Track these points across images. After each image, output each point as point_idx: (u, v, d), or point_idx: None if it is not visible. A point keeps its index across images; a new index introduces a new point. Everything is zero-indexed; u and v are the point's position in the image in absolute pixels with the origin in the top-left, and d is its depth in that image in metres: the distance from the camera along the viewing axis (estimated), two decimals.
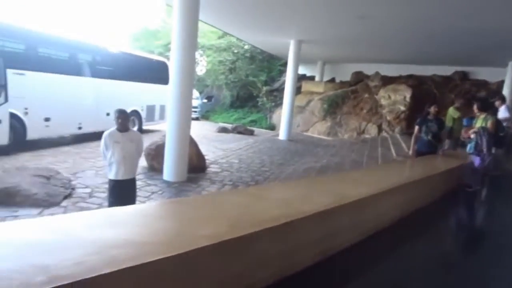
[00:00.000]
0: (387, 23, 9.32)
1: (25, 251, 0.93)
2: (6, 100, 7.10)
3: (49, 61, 8.67)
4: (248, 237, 1.25)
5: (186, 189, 6.67)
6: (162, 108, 13.46)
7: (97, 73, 9.90)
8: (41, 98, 8.02)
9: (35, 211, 4.75)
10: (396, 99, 15.60)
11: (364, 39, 11.96)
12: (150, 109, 12.72)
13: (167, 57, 16.44)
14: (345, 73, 19.73)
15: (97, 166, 7.48)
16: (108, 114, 10.54)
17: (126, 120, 4.10)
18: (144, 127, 12.66)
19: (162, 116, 13.53)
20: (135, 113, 11.88)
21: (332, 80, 20.59)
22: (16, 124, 7.47)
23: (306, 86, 19.49)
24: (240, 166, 9.11)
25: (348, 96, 17.46)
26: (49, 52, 8.77)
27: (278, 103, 19.91)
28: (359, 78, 18.77)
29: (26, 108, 7.66)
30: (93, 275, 0.80)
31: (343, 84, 19.09)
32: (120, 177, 4.04)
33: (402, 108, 15.29)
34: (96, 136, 10.33)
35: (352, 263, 2.12)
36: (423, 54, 13.67)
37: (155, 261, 0.91)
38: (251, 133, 16.41)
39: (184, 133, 7.16)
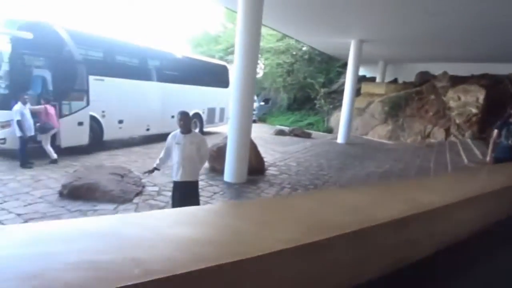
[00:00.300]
0: (460, 19, 8.64)
1: (120, 245, 1.00)
2: (87, 103, 7.86)
3: (124, 67, 9.42)
4: (323, 243, 1.23)
5: (246, 190, 6.77)
6: (222, 110, 13.89)
7: (164, 78, 10.52)
8: (116, 102, 8.75)
9: (111, 206, 5.18)
10: (466, 101, 14.39)
11: (433, 37, 11.22)
12: (211, 112, 13.18)
13: (227, 61, 16.96)
14: (409, 74, 18.69)
15: (164, 166, 7.93)
16: (173, 117, 11.11)
17: (187, 122, 4.16)
18: (205, 129, 13.15)
19: (221, 119, 13.95)
20: (197, 115, 12.39)
21: (395, 81, 19.59)
22: (95, 125, 8.22)
23: (366, 87, 18.79)
24: (298, 169, 9.04)
25: (412, 97, 16.47)
26: (124, 59, 9.53)
27: (336, 106, 19.45)
28: (425, 78, 17.63)
29: (103, 111, 8.41)
30: (185, 271, 0.85)
31: (406, 85, 18.06)
32: (179, 178, 4.10)
33: (474, 110, 14.06)
34: (162, 137, 10.98)
35: (426, 276, 1.99)
36: (499, 51, 12.43)
37: (238, 262, 0.94)
38: (308, 136, 16.21)
39: (245, 135, 7.29)
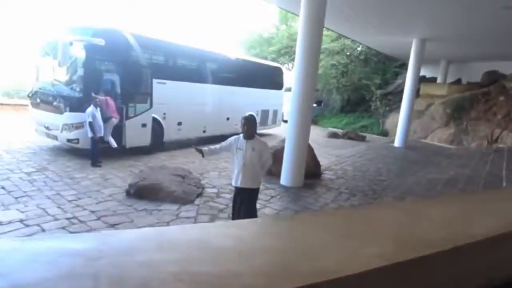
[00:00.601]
0: None
1: (214, 256, 0.93)
2: (151, 106, 8.20)
3: (183, 70, 9.71)
4: (416, 261, 1.08)
5: (303, 194, 6.65)
6: (275, 112, 13.84)
7: (220, 80, 10.69)
8: (176, 104, 9.02)
9: (174, 207, 5.30)
10: None
11: (504, 33, 10.24)
12: (265, 114, 13.17)
13: (279, 63, 16.91)
14: (474, 73, 17.36)
15: (219, 168, 8.03)
16: (228, 119, 11.30)
17: (251, 127, 4.01)
18: (258, 131, 13.17)
19: (274, 121, 13.89)
20: None
21: (458, 81, 18.25)
22: (156, 127, 8.55)
23: (425, 88, 17.75)
24: (355, 173, 8.75)
25: (478, 99, 15.24)
26: (183, 62, 9.83)
27: (393, 108, 18.59)
28: (493, 78, 16.23)
29: (164, 113, 8.72)
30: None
31: (471, 85, 16.78)
32: (239, 185, 4.01)
33: None
34: (217, 139, 11.18)
35: None
36: None
37: (336, 280, 0.83)
38: (362, 139, 15.67)
39: (303, 139, 7.18)
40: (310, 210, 5.82)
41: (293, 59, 23.53)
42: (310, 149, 7.82)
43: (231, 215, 4.98)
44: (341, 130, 17.18)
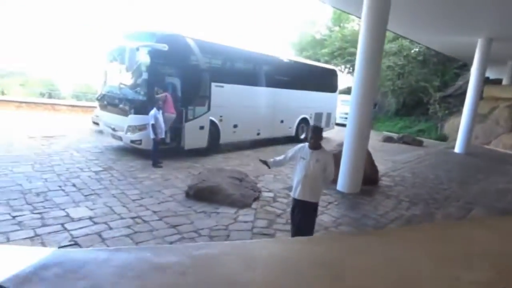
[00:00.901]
0: None
1: (296, 271, 0.69)
2: (208, 109, 8.22)
3: (239, 73, 9.66)
4: None
5: (361, 201, 6.28)
6: (328, 115, 13.37)
7: (274, 83, 10.50)
8: (232, 107, 8.98)
9: (232, 210, 5.16)
10: None
11: None
12: (318, 117, 12.76)
13: (332, 65, 16.37)
14: None
15: (274, 171, 7.80)
16: (282, 122, 11.07)
17: (318, 137, 3.77)
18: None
19: (328, 124, 13.43)
20: (305, 120, 12.11)
21: None
22: (213, 129, 8.55)
23: (489, 91, 16.30)
24: (414, 180, 8.20)
25: None
26: (240, 65, 9.78)
27: (453, 111, 17.31)
28: None
29: (221, 116, 8.71)
30: None
31: None
32: (298, 196, 3.74)
33: None
34: (271, 142, 11.05)
35: None
36: None
37: None
38: (419, 143, 14.74)
39: (362, 144, 6.81)
40: (370, 219, 5.44)
41: (346, 61, 22.80)
42: (368, 154, 7.39)
43: (289, 221, 4.77)
44: (396, 134, 16.33)
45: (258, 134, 10.25)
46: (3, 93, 18.15)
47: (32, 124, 10.88)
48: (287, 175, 7.53)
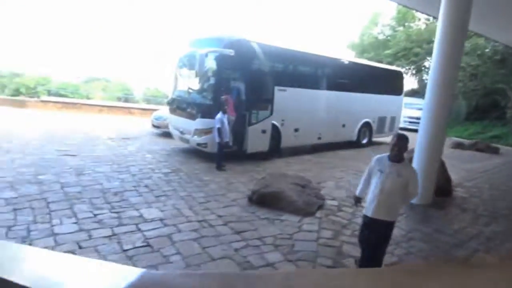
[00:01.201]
0: None
1: None
2: (271, 113, 8.09)
3: (301, 76, 9.38)
4: None
5: (433, 214, 5.72)
6: (392, 119, 12.51)
7: (337, 86, 10.05)
8: (293, 111, 8.74)
9: (295, 218, 4.95)
10: None
11: None
12: (381, 121, 11.99)
13: (396, 66, 15.30)
14: None
15: (336, 177, 7.45)
16: (343, 126, 10.56)
17: (403, 148, 3.21)
18: (373, 139, 12.07)
19: (391, 128, 12.57)
20: (367, 125, 11.44)
21: None
22: (275, 133, 8.38)
23: None
24: (492, 193, 7.36)
25: None
26: (302, 68, 9.50)
27: None
28: None
29: (283, 120, 8.51)
30: None
31: None
32: (372, 214, 3.26)
33: None
34: (331, 146, 10.59)
35: None
36: None
37: None
38: (495, 151, 13.21)
39: (436, 152, 6.23)
40: (444, 235, 4.88)
41: (410, 62, 21.27)
42: (441, 163, 6.70)
43: (356, 233, 4.41)
44: (467, 140, 14.73)
45: (319, 138, 9.86)
46: (88, 97, 19.94)
47: (111, 126, 11.72)
48: (349, 182, 7.13)
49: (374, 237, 3.31)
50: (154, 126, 10.87)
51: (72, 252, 3.53)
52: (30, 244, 3.60)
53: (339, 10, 47.01)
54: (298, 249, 4.05)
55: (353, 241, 4.39)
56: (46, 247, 3.56)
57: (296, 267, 3.68)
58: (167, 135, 9.94)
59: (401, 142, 3.18)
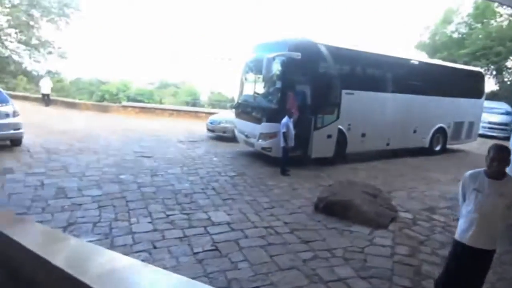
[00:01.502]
0: None
1: None
2: (338, 117, 7.68)
3: (371, 79, 8.78)
4: None
5: None
6: (471, 125, 11.15)
7: (408, 89, 9.23)
8: (360, 115, 8.20)
9: (366, 230, 4.56)
10: None
11: None
12: (458, 126, 10.75)
13: (472, 67, 13.64)
14: None
15: (408, 187, 6.80)
16: (414, 132, 9.68)
17: (505, 162, 2.60)
18: (448, 146, 10.88)
19: (469, 135, 11.23)
20: (441, 130, 10.34)
21: None
22: (340, 138, 7.92)
23: None
24: None
25: None
26: (371, 70, 8.90)
27: None
28: None
29: (349, 125, 8.02)
30: None
31: None
32: (467, 241, 2.67)
33: None
34: (400, 153, 9.73)
35: None
36: None
37: None
38: None
39: None
40: None
41: (491, 63, 18.98)
42: None
43: (435, 251, 3.89)
44: None
45: (388, 144, 9.11)
46: (160, 102, 21.26)
47: (180, 130, 12.23)
48: (423, 193, 6.45)
49: (472, 268, 2.75)
50: (208, 129, 11.08)
51: (148, 251, 3.62)
52: (111, 241, 3.77)
53: (403, 10, 43.93)
54: (371, 265, 3.68)
55: (433, 260, 3.89)
56: (125, 245, 3.70)
57: (369, 285, 3.33)
58: (221, 138, 10.38)
59: (501, 154, 2.59)
